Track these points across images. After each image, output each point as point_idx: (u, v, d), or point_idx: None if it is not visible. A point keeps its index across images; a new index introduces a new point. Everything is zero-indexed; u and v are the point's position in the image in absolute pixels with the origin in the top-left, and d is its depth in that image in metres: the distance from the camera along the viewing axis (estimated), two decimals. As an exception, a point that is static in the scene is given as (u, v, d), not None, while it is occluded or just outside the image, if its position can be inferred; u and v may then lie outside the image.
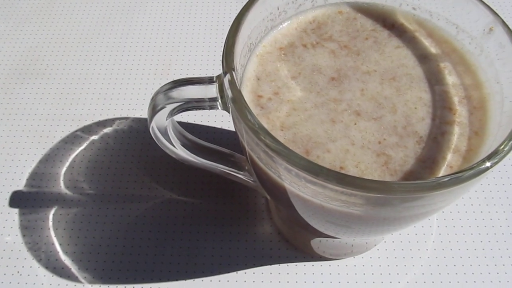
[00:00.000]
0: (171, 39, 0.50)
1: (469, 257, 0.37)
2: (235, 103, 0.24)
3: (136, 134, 0.43)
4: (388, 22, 0.31)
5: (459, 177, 0.21)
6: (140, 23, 0.51)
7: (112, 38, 0.50)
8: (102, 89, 0.46)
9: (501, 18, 0.27)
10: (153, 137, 0.30)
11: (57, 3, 0.53)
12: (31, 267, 0.36)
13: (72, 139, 0.43)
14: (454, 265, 0.36)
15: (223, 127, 0.43)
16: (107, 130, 0.43)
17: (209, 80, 0.27)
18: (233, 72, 0.24)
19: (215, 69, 0.47)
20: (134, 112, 0.44)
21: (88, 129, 0.43)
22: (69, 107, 0.45)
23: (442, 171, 0.26)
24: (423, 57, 0.30)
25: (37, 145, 0.42)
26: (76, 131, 0.43)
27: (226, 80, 0.24)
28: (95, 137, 0.43)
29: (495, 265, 0.36)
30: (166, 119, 0.28)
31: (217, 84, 0.26)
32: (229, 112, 0.27)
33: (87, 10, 0.52)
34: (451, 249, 0.37)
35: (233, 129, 0.39)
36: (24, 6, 0.53)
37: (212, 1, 0.53)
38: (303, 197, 0.24)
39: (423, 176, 0.25)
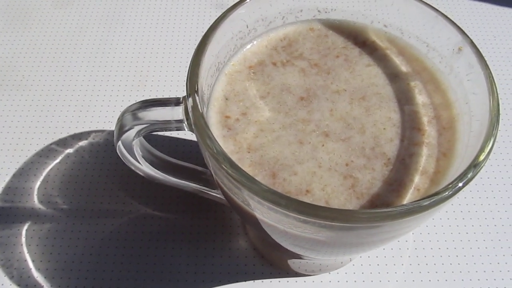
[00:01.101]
0: (148, 51, 0.49)
1: (444, 272, 0.37)
2: (197, 127, 0.23)
3: (111, 147, 0.42)
4: (360, 40, 0.31)
5: (430, 203, 0.21)
6: (118, 35, 0.51)
7: (89, 49, 0.49)
8: (78, 100, 0.45)
9: (469, 38, 0.27)
10: (120, 156, 0.30)
11: (33, 13, 0.52)
12: (2, 284, 0.36)
13: (46, 153, 0.42)
14: (429, 280, 0.36)
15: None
16: (82, 143, 0.43)
17: (176, 102, 0.26)
18: (196, 96, 0.24)
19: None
20: (110, 125, 0.44)
21: (63, 142, 0.43)
22: (44, 119, 0.44)
23: (409, 194, 0.25)
24: (394, 76, 0.29)
25: (10, 158, 0.42)
26: (51, 144, 0.43)
27: (189, 103, 0.24)
28: (70, 150, 0.42)
29: (470, 279, 0.36)
30: (133, 139, 0.28)
31: (184, 106, 0.26)
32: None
33: (64, 21, 0.52)
34: (426, 264, 0.37)
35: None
36: (0, 15, 0.52)
37: (191, 15, 0.53)
38: (268, 223, 0.24)
39: (389, 199, 0.25)
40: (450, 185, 0.22)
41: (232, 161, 0.22)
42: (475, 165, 0.22)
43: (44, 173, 0.41)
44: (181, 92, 0.46)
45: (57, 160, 0.42)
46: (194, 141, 0.43)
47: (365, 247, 0.27)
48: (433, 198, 0.21)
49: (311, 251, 0.27)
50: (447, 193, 0.21)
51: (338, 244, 0.25)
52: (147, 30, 0.51)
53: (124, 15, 0.52)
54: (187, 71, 0.25)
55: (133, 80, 0.47)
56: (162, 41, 0.50)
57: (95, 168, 0.41)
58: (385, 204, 0.25)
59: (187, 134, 0.43)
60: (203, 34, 0.50)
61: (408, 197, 0.25)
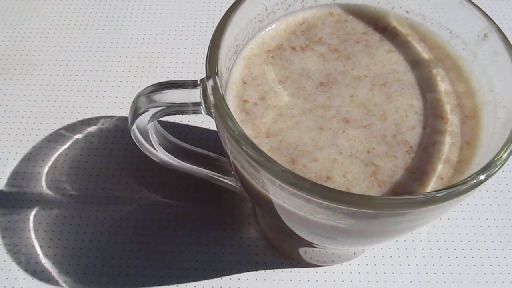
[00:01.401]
0: (158, 35, 0.48)
1: (458, 265, 0.36)
2: (217, 109, 0.23)
3: (121, 133, 0.42)
4: (380, 25, 0.30)
5: (450, 193, 0.21)
6: (128, 18, 0.50)
7: (98, 33, 0.48)
8: (87, 85, 0.45)
9: (496, 25, 0.26)
10: (134, 140, 0.29)
11: (42, -5, 0.51)
12: (10, 270, 0.35)
13: (55, 138, 0.41)
14: (443, 273, 0.36)
15: (210, 128, 0.42)
16: (92, 129, 0.42)
17: (193, 84, 0.26)
18: (216, 77, 0.23)
19: (203, 68, 0.46)
20: (120, 110, 0.43)
21: (72, 128, 0.42)
22: (52, 104, 0.43)
23: (432, 182, 0.25)
24: (415, 63, 0.29)
25: (18, 143, 0.41)
26: (60, 129, 0.42)
27: (209, 85, 0.23)
28: (79, 136, 0.41)
29: (484, 273, 0.36)
30: (148, 123, 0.27)
31: (201, 89, 0.25)
32: (213, 117, 0.26)
33: (72, 4, 0.51)
34: (440, 257, 0.36)
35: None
36: (5, 0, 0.51)
37: (202, -3, 0.52)
38: (288, 209, 0.23)
39: (412, 188, 0.24)
40: (479, 172, 0.21)
41: (253, 143, 0.21)
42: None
43: (53, 159, 0.40)
44: (192, 76, 0.45)
45: (66, 146, 0.41)
46: (205, 129, 0.42)
47: (385, 237, 0.27)
48: (464, 185, 0.21)
49: (329, 239, 0.26)
50: (475, 180, 0.21)
51: (358, 232, 0.24)
52: (157, 14, 0.50)
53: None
54: (206, 52, 0.24)
55: (142, 66, 0.46)
56: (173, 24, 0.49)
57: (104, 154, 0.40)
58: (408, 192, 0.24)
59: (197, 121, 0.42)
60: (213, 19, 0.49)
61: (431, 186, 0.24)
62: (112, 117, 0.43)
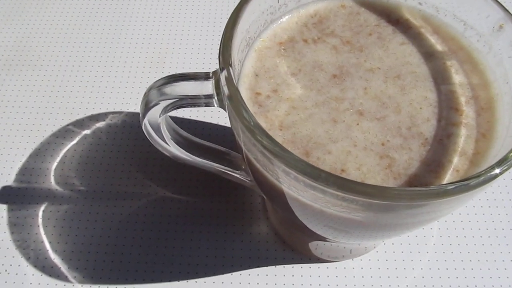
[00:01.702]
0: (167, 30, 0.48)
1: (470, 261, 0.36)
2: (232, 100, 0.22)
3: (129, 129, 0.41)
4: (393, 18, 0.30)
5: (466, 185, 0.20)
6: (136, 13, 0.50)
7: (106, 28, 0.48)
8: (96, 81, 0.44)
9: (512, 15, 0.26)
10: (146, 134, 0.29)
11: (49, -9, 0.51)
12: (19, 265, 0.35)
13: (63, 133, 0.41)
14: (455, 268, 0.35)
15: (220, 123, 0.42)
16: (100, 124, 0.42)
17: (205, 76, 0.25)
18: (230, 68, 0.23)
19: (212, 62, 0.46)
20: (128, 106, 0.43)
21: (80, 123, 0.42)
22: (60, 99, 0.43)
23: (448, 175, 0.24)
24: (429, 55, 0.28)
25: (27, 139, 0.41)
26: (68, 125, 0.42)
27: (222, 76, 0.23)
28: (87, 131, 0.41)
29: (497, 268, 0.35)
30: (160, 116, 0.27)
31: (214, 81, 0.25)
32: (225, 110, 0.25)
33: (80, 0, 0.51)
34: (452, 252, 0.36)
35: (230, 125, 0.38)
36: (16, -5, 0.51)
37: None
38: (302, 201, 0.23)
39: (428, 180, 0.24)
40: (494, 166, 0.21)
41: (268, 134, 0.21)
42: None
43: (61, 154, 0.40)
44: (201, 70, 0.45)
45: (74, 141, 0.41)
46: (215, 124, 0.42)
47: (398, 230, 0.26)
48: (479, 177, 0.20)
49: (343, 232, 0.26)
50: (493, 172, 0.20)
51: (372, 225, 0.24)
52: (165, 8, 0.50)
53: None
54: (219, 44, 0.24)
55: (151, 61, 0.46)
56: (182, 19, 0.49)
57: (112, 150, 0.40)
58: (423, 184, 0.24)
59: (206, 117, 0.42)
60: (221, 13, 0.49)
61: (447, 178, 0.24)
62: (120, 112, 0.42)
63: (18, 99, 0.43)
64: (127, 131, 0.41)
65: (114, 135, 0.41)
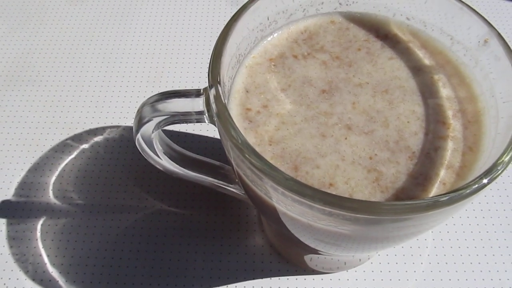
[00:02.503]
0: (163, 47, 0.49)
1: (464, 271, 0.36)
2: (220, 118, 0.23)
3: (127, 143, 0.42)
4: (381, 33, 0.31)
5: (453, 197, 0.21)
6: (133, 30, 0.51)
7: (104, 45, 0.49)
8: (94, 96, 0.45)
9: (496, 30, 0.26)
10: (139, 149, 0.29)
11: (49, 9, 0.52)
12: (17, 279, 0.35)
13: (62, 148, 0.42)
14: (449, 279, 0.35)
15: (215, 136, 0.42)
16: (98, 138, 0.42)
17: (196, 93, 0.26)
18: (219, 86, 0.24)
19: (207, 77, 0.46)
20: (126, 120, 0.43)
21: (79, 138, 0.42)
22: (59, 114, 0.44)
23: (435, 188, 0.25)
24: (417, 69, 0.29)
25: (26, 154, 0.41)
26: (67, 139, 0.42)
27: (211, 94, 0.24)
28: (85, 145, 0.42)
29: (491, 279, 0.35)
30: (153, 132, 0.28)
31: (204, 97, 0.26)
32: (216, 126, 0.26)
33: (79, 17, 0.52)
34: (446, 263, 0.36)
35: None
36: (16, 12, 0.52)
37: (207, 9, 0.53)
38: (291, 216, 0.23)
39: (415, 193, 0.24)
40: (482, 176, 0.21)
41: (256, 151, 0.21)
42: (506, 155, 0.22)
43: (60, 168, 0.41)
44: (198, 86, 0.46)
45: (73, 156, 0.41)
46: (209, 137, 0.42)
47: (389, 242, 0.27)
48: (466, 189, 0.21)
49: (333, 246, 0.26)
50: (478, 185, 0.21)
51: (362, 238, 0.24)
52: (162, 25, 0.51)
53: (139, 11, 0.52)
54: (209, 62, 0.25)
55: (148, 76, 0.47)
56: (177, 37, 0.50)
57: (110, 164, 0.41)
58: (411, 197, 0.24)
59: (202, 130, 0.43)
60: (217, 30, 0.50)
61: (434, 191, 0.25)
62: (118, 127, 0.43)
63: (17, 114, 0.44)
64: (124, 145, 0.42)
65: (111, 149, 0.42)
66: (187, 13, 0.52)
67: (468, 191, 0.21)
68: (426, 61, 0.29)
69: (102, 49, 0.49)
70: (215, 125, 0.26)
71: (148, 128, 0.27)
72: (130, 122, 0.43)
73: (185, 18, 0.52)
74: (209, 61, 0.25)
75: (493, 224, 0.38)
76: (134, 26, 0.51)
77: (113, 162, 0.41)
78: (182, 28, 0.51)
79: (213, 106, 0.23)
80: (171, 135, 0.42)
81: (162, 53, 0.48)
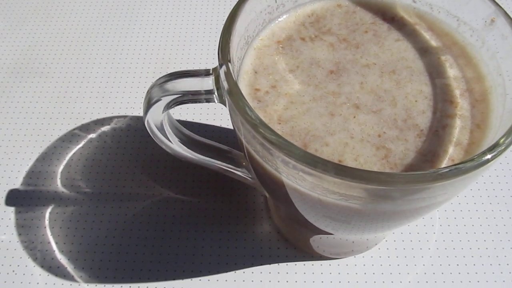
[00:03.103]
0: (170, 37, 0.49)
1: (472, 256, 0.36)
2: (231, 95, 0.23)
3: (134, 132, 0.42)
4: (388, 16, 0.31)
5: (459, 168, 0.21)
6: (140, 21, 0.51)
7: (111, 36, 0.50)
8: (100, 87, 0.45)
9: (502, 9, 0.26)
10: (149, 131, 0.29)
11: (56, 1, 0.53)
12: (26, 266, 0.36)
13: (69, 137, 0.42)
14: (457, 265, 0.36)
15: (222, 125, 0.43)
16: (105, 128, 0.43)
17: (205, 73, 0.26)
18: (229, 64, 0.24)
19: (215, 64, 0.47)
20: (132, 110, 0.44)
21: (86, 127, 0.43)
22: (67, 105, 0.44)
23: (444, 164, 0.25)
24: (424, 50, 0.29)
25: (34, 143, 0.42)
26: (74, 129, 0.43)
27: (222, 72, 0.24)
28: (92, 135, 0.42)
29: (499, 264, 0.35)
30: (162, 113, 0.28)
31: (214, 76, 0.26)
32: (225, 105, 0.26)
33: (85, 9, 0.52)
34: (453, 248, 0.36)
35: (231, 127, 0.39)
36: (23, 5, 0.52)
37: (212, 2, 0.53)
38: (301, 191, 0.24)
39: (423, 169, 0.25)
40: (486, 151, 0.21)
41: (266, 124, 0.22)
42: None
43: (67, 158, 0.41)
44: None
45: (80, 145, 0.42)
46: (216, 126, 0.43)
47: (396, 221, 0.27)
48: (472, 162, 0.21)
49: (343, 224, 0.26)
50: (485, 157, 0.21)
51: (371, 214, 0.24)
52: (168, 17, 0.51)
53: (145, 2, 0.53)
54: (219, 40, 0.25)
55: (154, 65, 0.47)
56: (184, 25, 0.50)
57: (117, 153, 0.41)
58: (419, 173, 0.24)
59: (209, 120, 0.43)
60: (223, 16, 0.50)
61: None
62: (125, 116, 0.43)
63: (25, 105, 0.44)
64: (131, 134, 0.42)
65: (118, 138, 0.42)
66: (192, 5, 0.52)
67: (472, 164, 0.21)
68: (433, 42, 0.30)
69: (109, 41, 0.49)
70: (224, 105, 0.26)
71: (157, 108, 0.27)
72: (136, 112, 0.44)
73: (190, 11, 0.52)
74: (219, 40, 0.25)
75: (500, 210, 0.38)
76: (141, 16, 0.51)
77: (120, 151, 0.41)
78: (188, 17, 0.51)
79: (224, 83, 0.24)
80: (179, 123, 0.42)
81: (169, 43, 0.49)
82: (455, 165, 0.21)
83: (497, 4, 0.26)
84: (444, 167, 0.21)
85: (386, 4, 0.31)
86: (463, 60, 0.29)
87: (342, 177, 0.20)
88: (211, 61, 0.47)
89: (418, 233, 0.37)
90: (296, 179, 0.23)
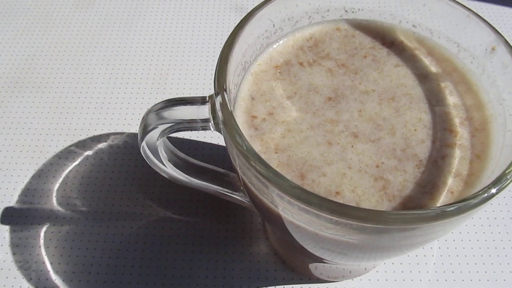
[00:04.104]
0: (168, 53, 0.49)
1: (471, 280, 0.35)
2: (226, 126, 0.23)
3: (130, 149, 0.42)
4: (388, 40, 0.30)
5: (461, 207, 0.20)
6: (138, 37, 0.51)
7: (109, 51, 0.49)
8: (98, 103, 0.45)
9: (503, 37, 0.26)
10: (144, 156, 0.29)
11: (54, 15, 0.52)
12: (20, 286, 0.35)
13: (66, 154, 0.42)
14: (456, 289, 0.35)
15: (219, 143, 0.42)
16: (102, 145, 0.42)
17: (202, 101, 0.26)
18: (225, 93, 0.23)
19: (212, 84, 0.46)
20: (130, 127, 0.43)
21: (83, 144, 0.42)
22: (63, 120, 0.44)
23: (443, 196, 0.24)
24: (423, 76, 0.29)
25: (30, 160, 0.41)
26: (70, 146, 0.42)
27: (217, 101, 0.24)
28: (89, 152, 0.42)
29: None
30: (157, 139, 0.27)
31: (210, 105, 0.25)
32: (221, 133, 0.26)
33: (84, 23, 0.52)
34: (452, 272, 0.36)
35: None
36: (21, 18, 0.52)
37: (211, 16, 0.53)
38: (297, 224, 0.23)
39: (422, 202, 0.24)
40: (490, 186, 0.21)
41: (262, 159, 0.21)
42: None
43: (63, 175, 0.41)
44: (202, 93, 0.46)
45: (76, 162, 0.41)
46: (214, 144, 0.42)
47: (395, 251, 0.26)
48: (475, 199, 0.20)
49: (339, 254, 0.26)
50: (486, 194, 0.21)
51: (368, 247, 0.24)
52: (167, 32, 0.51)
53: (143, 18, 0.52)
54: (215, 69, 0.25)
55: (152, 83, 0.47)
56: (182, 44, 0.50)
57: (114, 171, 0.41)
58: (418, 206, 0.24)
59: (206, 137, 0.43)
60: (222, 36, 0.50)
61: (442, 200, 0.24)
62: (122, 133, 0.43)
63: (21, 120, 0.44)
64: (128, 152, 0.42)
65: (115, 155, 0.42)
66: (191, 20, 0.52)
67: (476, 201, 0.21)
68: (433, 68, 0.29)
69: (107, 56, 0.49)
70: (220, 133, 0.26)
71: (153, 135, 0.27)
72: (134, 128, 0.43)
73: (189, 25, 0.52)
74: (215, 68, 0.25)
75: (499, 233, 0.38)
76: (139, 33, 0.51)
77: (117, 169, 0.41)
78: (187, 35, 0.51)
79: (219, 113, 0.23)
80: (176, 142, 0.42)
81: (167, 60, 0.48)
82: (456, 202, 0.20)
83: (497, 32, 0.26)
84: (447, 205, 0.20)
85: (385, 28, 0.31)
86: (463, 87, 0.28)
87: (337, 216, 0.20)
88: (209, 78, 0.47)
89: (416, 255, 0.37)
90: (292, 213, 0.22)
